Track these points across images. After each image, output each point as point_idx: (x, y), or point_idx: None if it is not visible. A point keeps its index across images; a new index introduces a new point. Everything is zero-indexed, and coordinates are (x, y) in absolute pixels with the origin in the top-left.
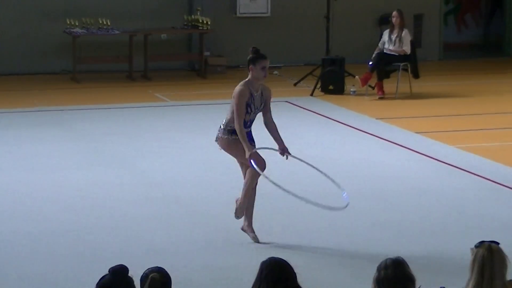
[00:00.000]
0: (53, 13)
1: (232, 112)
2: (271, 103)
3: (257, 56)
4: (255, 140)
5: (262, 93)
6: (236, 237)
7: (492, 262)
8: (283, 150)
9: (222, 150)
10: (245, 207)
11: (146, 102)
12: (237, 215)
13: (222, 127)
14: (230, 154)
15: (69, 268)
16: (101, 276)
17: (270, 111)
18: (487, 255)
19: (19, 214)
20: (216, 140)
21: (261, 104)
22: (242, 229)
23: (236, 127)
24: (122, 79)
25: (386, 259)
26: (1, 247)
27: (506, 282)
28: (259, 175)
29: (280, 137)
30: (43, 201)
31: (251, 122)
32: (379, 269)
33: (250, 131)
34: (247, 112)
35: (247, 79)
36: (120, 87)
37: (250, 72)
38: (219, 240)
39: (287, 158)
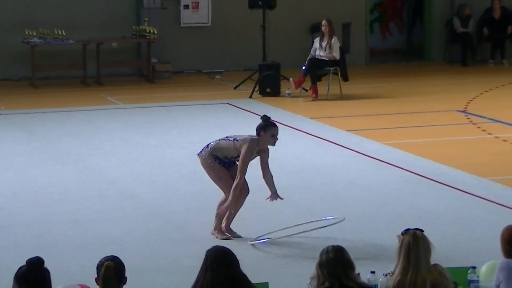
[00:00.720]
0: (12, 24)
1: (228, 148)
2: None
3: (268, 124)
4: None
5: (258, 152)
6: (188, 229)
7: (417, 248)
8: (272, 196)
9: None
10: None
11: (99, 105)
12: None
13: (209, 148)
14: (209, 175)
15: None
16: (61, 266)
17: (267, 165)
18: (412, 241)
19: None
20: (198, 155)
21: (253, 158)
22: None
23: (235, 184)
24: (77, 85)
25: (328, 246)
26: None
27: (431, 267)
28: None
29: (272, 182)
30: (6, 197)
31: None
32: (321, 254)
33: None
34: (235, 157)
35: (256, 138)
36: (75, 92)
37: (261, 137)
38: (173, 231)
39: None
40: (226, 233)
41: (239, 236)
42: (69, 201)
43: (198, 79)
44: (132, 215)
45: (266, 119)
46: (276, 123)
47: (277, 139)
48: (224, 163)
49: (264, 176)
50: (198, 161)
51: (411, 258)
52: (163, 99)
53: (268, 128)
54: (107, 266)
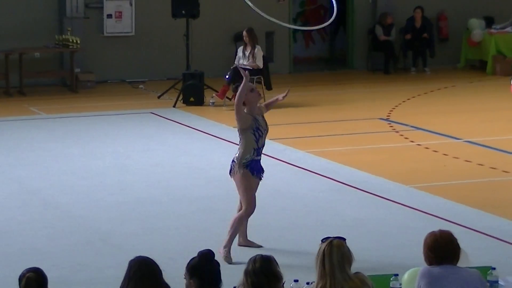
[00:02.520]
0: None
1: (244, 145)
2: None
3: (238, 84)
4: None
5: (263, 116)
6: (112, 239)
7: (330, 256)
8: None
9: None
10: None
11: (22, 116)
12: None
13: (236, 161)
14: (238, 188)
15: None
16: None
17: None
18: (327, 249)
19: None
20: (230, 174)
21: (267, 126)
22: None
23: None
24: (0, 95)
25: (257, 255)
26: None
27: (351, 275)
28: (246, 219)
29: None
30: None
31: (263, 146)
32: (249, 262)
33: (260, 159)
34: (258, 135)
35: (245, 109)
36: None
37: (246, 103)
38: (96, 242)
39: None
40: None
41: (259, 246)
42: None
43: (121, 89)
44: (55, 226)
45: (237, 86)
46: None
47: (257, 92)
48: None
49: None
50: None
51: (326, 265)
52: (87, 109)
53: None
54: (28, 277)
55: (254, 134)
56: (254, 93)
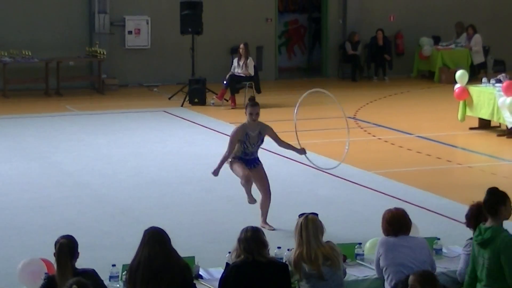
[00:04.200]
0: None
1: (235, 150)
2: (277, 134)
3: (248, 104)
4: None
5: (260, 132)
6: (131, 213)
7: (307, 228)
8: (302, 151)
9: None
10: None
11: (59, 112)
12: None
13: (233, 155)
14: (235, 173)
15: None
16: (27, 244)
17: (278, 139)
18: (304, 222)
19: None
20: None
21: (258, 141)
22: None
23: (224, 154)
24: (41, 95)
25: (247, 226)
26: None
27: (323, 243)
28: (245, 182)
29: (291, 145)
30: None
31: (252, 153)
32: (241, 232)
33: (253, 158)
34: (245, 146)
35: (244, 122)
36: (39, 101)
37: (247, 113)
38: (118, 215)
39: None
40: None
41: (272, 229)
42: (34, 190)
43: (139, 91)
44: (84, 201)
45: (250, 99)
46: (256, 102)
47: (254, 116)
48: (240, 159)
49: (280, 146)
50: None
51: (303, 235)
52: (111, 107)
53: (247, 108)
54: (61, 243)
55: (242, 145)
56: (250, 117)
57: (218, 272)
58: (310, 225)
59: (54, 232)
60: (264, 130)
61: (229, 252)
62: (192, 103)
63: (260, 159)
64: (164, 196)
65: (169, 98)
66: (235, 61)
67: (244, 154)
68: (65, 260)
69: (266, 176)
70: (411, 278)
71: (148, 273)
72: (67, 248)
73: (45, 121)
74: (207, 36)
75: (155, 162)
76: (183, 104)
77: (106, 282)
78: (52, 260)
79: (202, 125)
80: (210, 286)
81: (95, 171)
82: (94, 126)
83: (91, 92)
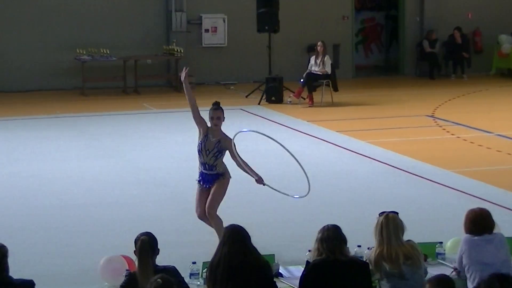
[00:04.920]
0: (67, 45)
1: None
2: (235, 150)
3: (211, 108)
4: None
5: (220, 141)
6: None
7: (387, 227)
8: (260, 180)
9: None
10: None
11: (136, 110)
12: None
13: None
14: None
15: (80, 237)
16: (108, 240)
17: (236, 156)
18: (384, 221)
19: (49, 192)
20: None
21: (214, 149)
22: None
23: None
24: (119, 93)
25: (327, 225)
26: (35, 215)
27: (404, 242)
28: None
29: (250, 168)
30: (67, 184)
31: (209, 165)
32: (322, 231)
33: (214, 173)
34: (199, 151)
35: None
36: (117, 99)
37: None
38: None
39: (264, 185)
40: None
41: None
42: (113, 188)
43: (216, 89)
44: (163, 199)
45: (213, 104)
46: (219, 106)
47: (215, 120)
48: (200, 179)
49: (238, 166)
50: None
51: (383, 234)
52: (188, 105)
53: (209, 111)
54: (143, 240)
55: (199, 154)
56: (211, 122)
57: (298, 270)
58: (390, 224)
59: (134, 229)
60: (224, 141)
61: (309, 250)
62: (269, 101)
63: (224, 174)
64: (243, 194)
65: (246, 96)
66: (312, 59)
67: (203, 167)
68: (146, 257)
69: (217, 196)
70: (490, 278)
71: (228, 270)
72: (148, 245)
73: (123, 119)
74: (284, 34)
75: (232, 160)
76: (260, 102)
77: (187, 280)
78: (133, 257)
79: (279, 123)
80: (290, 285)
81: (172, 169)
82: (171, 123)
83: (168, 90)
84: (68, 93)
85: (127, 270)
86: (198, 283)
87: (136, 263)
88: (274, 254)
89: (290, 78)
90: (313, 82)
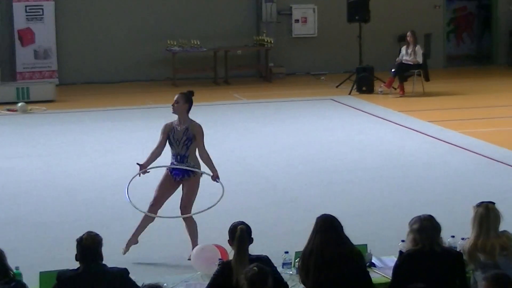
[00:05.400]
0: (158, 36)
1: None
2: (203, 140)
3: None
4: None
5: (187, 128)
6: (301, 200)
7: (488, 218)
8: (215, 176)
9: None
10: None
11: (227, 101)
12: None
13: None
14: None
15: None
16: (201, 229)
17: (201, 146)
18: (484, 212)
19: (142, 182)
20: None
21: (183, 137)
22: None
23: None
24: (209, 84)
25: (422, 215)
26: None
27: (499, 233)
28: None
29: (211, 163)
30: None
31: (181, 156)
32: (418, 221)
33: (179, 168)
34: (170, 144)
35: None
36: (208, 90)
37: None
38: (288, 202)
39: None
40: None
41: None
42: (204, 178)
43: (306, 80)
44: (255, 189)
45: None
46: (181, 92)
47: (174, 103)
48: (171, 169)
49: (200, 157)
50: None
51: (483, 226)
52: (278, 95)
53: None
54: (242, 228)
55: (170, 145)
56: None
57: (391, 260)
58: (491, 215)
59: (226, 219)
60: (193, 128)
61: (402, 241)
62: (360, 91)
63: (195, 172)
64: (333, 184)
65: (337, 87)
66: (403, 49)
67: (175, 159)
68: (244, 246)
69: (191, 196)
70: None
71: (321, 260)
72: (245, 233)
73: (214, 110)
74: (375, 24)
75: (323, 150)
76: (350, 92)
77: (279, 269)
78: (225, 246)
79: (370, 114)
80: (383, 274)
81: (263, 158)
82: (262, 114)
83: (258, 81)
84: (159, 84)
85: (220, 259)
86: (291, 272)
87: (233, 251)
88: (366, 244)
89: (381, 68)
90: (404, 72)
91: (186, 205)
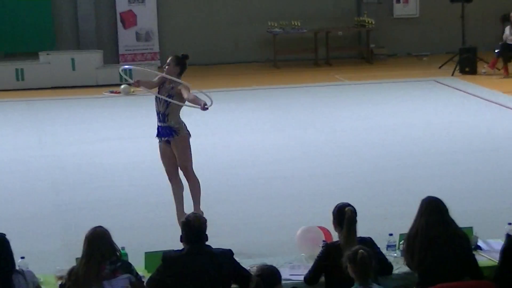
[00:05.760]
0: (259, 18)
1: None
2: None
3: None
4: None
5: (173, 87)
6: (403, 183)
7: None
8: (202, 108)
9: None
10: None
11: (328, 82)
12: None
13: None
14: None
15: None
16: (298, 212)
17: (186, 93)
18: None
19: (250, 164)
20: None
21: (165, 94)
22: None
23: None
24: (310, 66)
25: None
26: (237, 186)
27: None
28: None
29: (198, 99)
30: (262, 152)
31: (162, 114)
32: None
33: (167, 126)
34: (155, 99)
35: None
36: (308, 71)
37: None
38: (390, 185)
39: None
40: None
41: None
42: (313, 159)
43: (408, 61)
44: (358, 171)
45: None
46: (175, 56)
47: (164, 68)
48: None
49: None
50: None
51: None
52: (380, 77)
53: None
54: (350, 210)
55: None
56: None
57: (497, 243)
58: None
59: (330, 201)
60: (177, 86)
61: (509, 223)
62: (463, 72)
63: (178, 129)
64: (439, 166)
65: (439, 67)
66: (507, 29)
67: (158, 118)
68: (354, 227)
69: (182, 155)
70: None
71: (426, 242)
72: (355, 214)
73: (315, 91)
74: (477, 4)
75: (426, 132)
76: (453, 73)
77: (384, 251)
78: (329, 227)
79: (473, 95)
80: (489, 258)
81: (367, 140)
82: (363, 95)
83: (359, 62)
84: (260, 65)
85: (323, 241)
86: (395, 255)
87: (342, 233)
88: (472, 227)
89: (484, 48)
90: (508, 52)
91: (183, 164)
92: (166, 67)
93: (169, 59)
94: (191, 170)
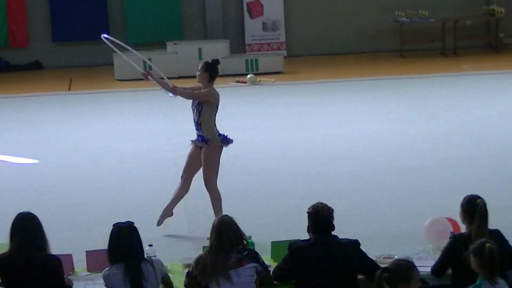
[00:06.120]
0: (386, 7)
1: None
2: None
3: None
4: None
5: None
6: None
7: None
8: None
9: None
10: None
11: (455, 72)
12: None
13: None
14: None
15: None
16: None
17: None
18: None
19: (374, 154)
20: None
21: (196, 102)
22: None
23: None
24: (437, 55)
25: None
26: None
27: None
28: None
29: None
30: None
31: (196, 123)
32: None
33: (198, 134)
34: (191, 107)
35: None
36: (436, 61)
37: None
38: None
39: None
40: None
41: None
42: (435, 150)
43: None
44: (485, 163)
45: None
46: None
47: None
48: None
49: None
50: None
51: None
52: (509, 67)
53: None
54: (482, 202)
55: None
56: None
57: None
58: None
59: (459, 192)
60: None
61: None
62: None
63: (209, 140)
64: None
65: None
66: None
67: (194, 125)
68: (485, 219)
69: (206, 165)
70: None
71: None
72: (486, 207)
73: (443, 82)
74: None
75: (502, 128)
76: None
77: None
78: (456, 219)
79: None
80: None
81: (499, 130)
82: (491, 86)
83: (488, 52)
84: (387, 55)
85: (451, 232)
86: None
87: (473, 224)
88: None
89: None
90: None
91: (205, 176)
92: (197, 73)
93: (200, 66)
94: (212, 183)
